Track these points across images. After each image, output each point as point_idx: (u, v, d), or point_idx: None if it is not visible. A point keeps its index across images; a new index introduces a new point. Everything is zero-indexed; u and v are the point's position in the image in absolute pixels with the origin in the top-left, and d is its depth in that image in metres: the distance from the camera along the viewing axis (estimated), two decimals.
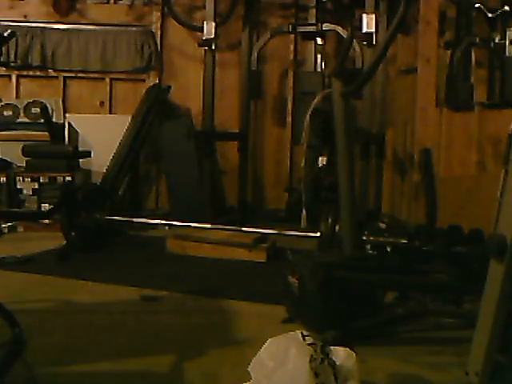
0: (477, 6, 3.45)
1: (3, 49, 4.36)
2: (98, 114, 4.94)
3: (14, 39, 4.17)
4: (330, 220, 2.87)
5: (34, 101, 4.71)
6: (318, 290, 2.00)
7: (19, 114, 4.68)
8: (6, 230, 3.97)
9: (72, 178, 4.25)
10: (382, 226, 3.60)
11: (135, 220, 3.70)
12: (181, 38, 4.91)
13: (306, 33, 4.75)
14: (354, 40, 4.02)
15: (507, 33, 3.41)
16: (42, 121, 4.52)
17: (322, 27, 4.58)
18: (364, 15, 4.12)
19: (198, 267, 3.15)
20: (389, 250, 2.73)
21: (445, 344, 2.00)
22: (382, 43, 2.41)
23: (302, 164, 3.72)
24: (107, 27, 4.90)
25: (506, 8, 3.35)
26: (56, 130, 4.58)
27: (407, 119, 4.08)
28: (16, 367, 1.45)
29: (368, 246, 2.74)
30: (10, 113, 4.70)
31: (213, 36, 4.42)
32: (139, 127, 4.26)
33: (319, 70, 4.77)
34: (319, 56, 4.78)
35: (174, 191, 4.72)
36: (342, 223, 2.50)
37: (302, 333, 1.49)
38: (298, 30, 4.73)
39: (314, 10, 4.73)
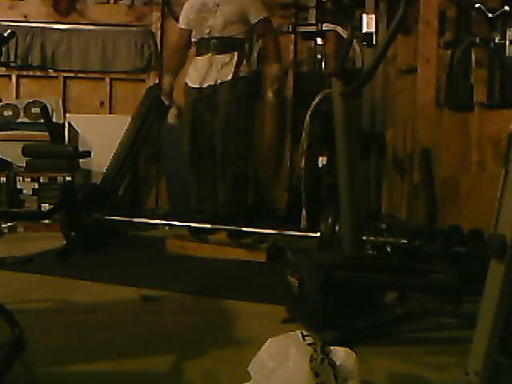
0: (477, 6, 3.45)
1: (3, 49, 4.36)
2: (98, 114, 4.94)
3: (14, 39, 4.18)
4: (330, 220, 2.87)
5: (34, 101, 4.71)
6: (318, 290, 2.00)
7: (19, 114, 4.69)
8: (6, 230, 3.98)
9: (72, 178, 4.25)
10: (382, 225, 3.60)
11: (135, 220, 3.71)
12: None
13: (306, 33, 4.75)
14: (354, 40, 4.03)
15: (507, 33, 3.40)
16: (42, 121, 4.53)
17: (321, 27, 4.59)
18: (364, 15, 4.13)
19: (198, 267, 3.15)
20: (389, 249, 2.73)
21: (445, 344, 2.00)
22: (381, 43, 2.41)
23: (302, 164, 3.72)
24: (107, 27, 4.90)
25: (506, 8, 3.34)
26: (56, 130, 4.58)
27: (407, 119, 4.08)
28: (16, 367, 1.45)
29: (368, 246, 2.74)
30: (10, 113, 4.70)
31: None
32: (139, 127, 4.26)
33: (319, 69, 4.77)
34: (319, 56, 4.78)
35: (174, 191, 4.72)
36: (342, 223, 2.50)
37: (301, 333, 1.49)
38: (298, 30, 4.74)
39: (314, 10, 4.74)
